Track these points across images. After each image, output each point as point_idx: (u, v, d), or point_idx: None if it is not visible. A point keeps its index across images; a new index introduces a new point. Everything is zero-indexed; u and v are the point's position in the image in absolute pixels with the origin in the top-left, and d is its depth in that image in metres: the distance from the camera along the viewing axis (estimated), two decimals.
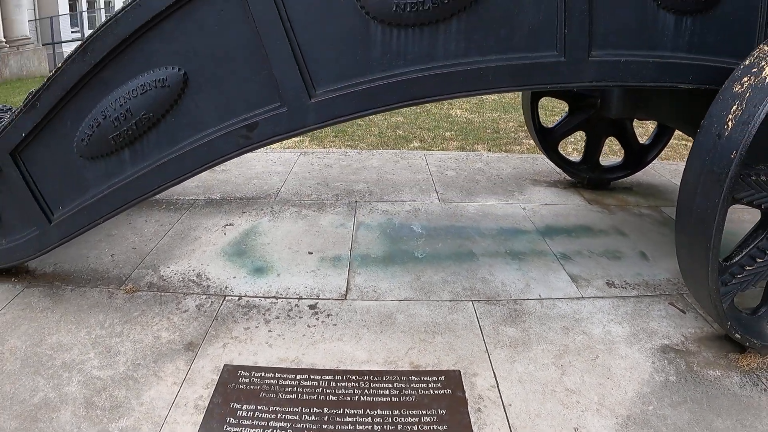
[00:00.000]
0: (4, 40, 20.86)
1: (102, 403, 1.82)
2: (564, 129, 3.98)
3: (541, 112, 4.10)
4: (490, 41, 1.96)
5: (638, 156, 4.00)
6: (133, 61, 2.09)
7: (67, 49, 25.28)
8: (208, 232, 3.12)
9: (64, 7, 27.17)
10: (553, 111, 7.15)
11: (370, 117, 7.22)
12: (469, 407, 1.81)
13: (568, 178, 4.11)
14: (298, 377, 1.94)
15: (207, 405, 1.80)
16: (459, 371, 1.98)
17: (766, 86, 1.73)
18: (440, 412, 1.79)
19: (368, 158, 4.72)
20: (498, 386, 1.92)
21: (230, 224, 3.23)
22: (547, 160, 4.15)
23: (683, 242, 2.01)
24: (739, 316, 2.13)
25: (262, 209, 3.47)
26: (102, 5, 30.96)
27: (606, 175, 4.01)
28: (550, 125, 4.10)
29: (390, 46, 1.99)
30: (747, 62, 1.88)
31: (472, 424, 1.75)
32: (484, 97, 9.14)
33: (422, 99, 2.10)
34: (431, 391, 1.88)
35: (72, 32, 26.95)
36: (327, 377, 1.94)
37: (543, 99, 4.09)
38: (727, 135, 1.77)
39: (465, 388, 1.90)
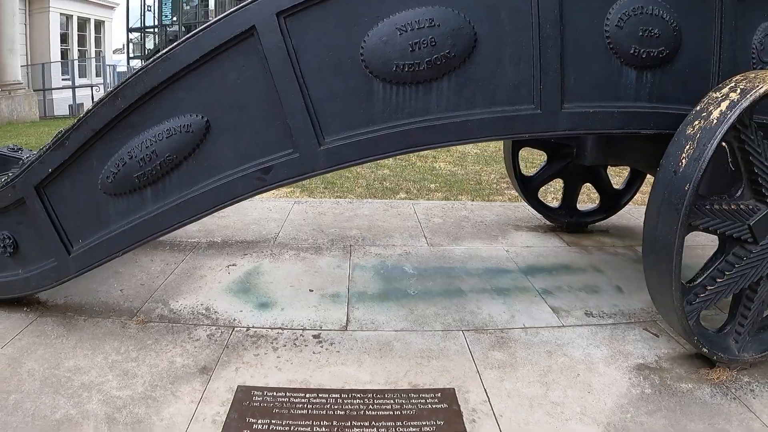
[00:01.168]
0: None
1: (123, 419, 1.97)
2: (543, 177, 4.28)
3: (521, 162, 4.39)
4: (477, 97, 2.24)
5: (613, 200, 4.31)
6: (161, 107, 2.32)
7: (57, 95, 25.53)
8: (213, 271, 3.30)
9: (56, 54, 27.64)
10: (533, 162, 7.48)
11: (358, 170, 7.55)
12: (464, 418, 1.99)
13: (549, 223, 4.38)
14: (307, 395, 2.10)
15: (224, 420, 1.96)
16: (453, 389, 2.16)
17: (713, 127, 2.01)
18: (438, 422, 1.96)
19: (359, 207, 4.97)
20: (489, 401, 2.10)
21: (233, 264, 3.42)
22: (528, 207, 4.44)
23: (650, 267, 2.25)
24: (706, 332, 2.36)
25: (262, 251, 3.66)
26: (93, 55, 31.35)
27: (583, 219, 4.31)
28: (531, 174, 4.39)
29: (390, 101, 2.25)
30: (698, 108, 2.17)
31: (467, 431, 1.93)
32: (466, 150, 9.57)
33: (418, 147, 2.35)
34: (429, 406, 2.06)
35: (62, 80, 27.36)
36: (334, 395, 2.11)
37: (523, 150, 4.38)
38: (681, 171, 2.04)
39: (459, 402, 2.08)
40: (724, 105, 2.06)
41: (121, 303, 2.87)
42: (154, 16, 56.99)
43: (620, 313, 2.90)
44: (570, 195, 4.30)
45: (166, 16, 56.95)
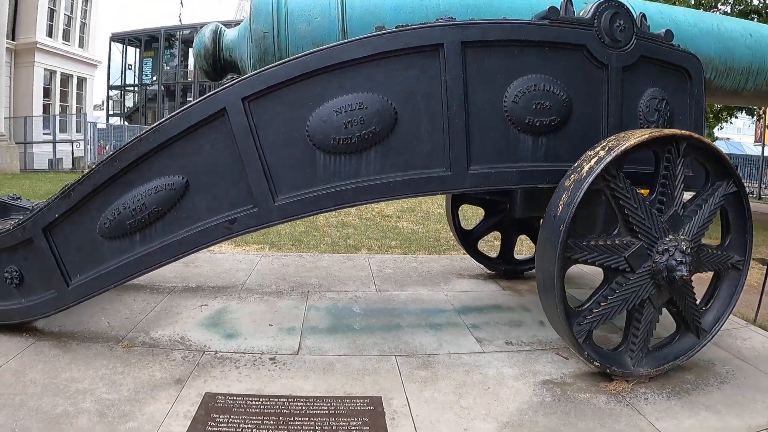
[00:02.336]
0: None
1: (112, 414, 2.45)
2: (481, 230, 4.93)
3: (469, 218, 5.02)
4: (398, 163, 2.87)
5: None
6: (150, 169, 2.90)
7: (38, 149, 25.94)
8: (187, 309, 3.81)
9: (38, 108, 28.21)
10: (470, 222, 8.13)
11: (324, 229, 8.16)
12: (386, 417, 2.50)
13: (489, 271, 4.98)
14: (261, 400, 2.60)
15: (194, 415, 2.45)
16: (380, 396, 2.68)
17: (583, 179, 2.62)
18: (365, 419, 2.48)
19: (320, 260, 5.55)
20: (409, 405, 2.62)
21: (205, 305, 3.93)
22: (467, 255, 5.04)
23: (543, 297, 2.81)
24: (600, 350, 2.90)
25: (230, 295, 4.18)
26: (74, 111, 31.73)
27: (519, 267, 4.93)
28: (470, 228, 5.03)
29: (329, 167, 2.87)
30: (576, 164, 2.78)
31: (387, 426, 2.43)
32: (429, 210, 10.35)
33: (351, 204, 2.97)
34: (359, 407, 2.57)
35: (44, 134, 27.86)
36: (282, 400, 2.61)
37: (462, 206, 5.03)
38: (558, 215, 2.64)
39: (384, 406, 2.59)
40: (593, 161, 2.68)
41: (108, 332, 3.36)
42: (135, 75, 58.01)
43: (537, 342, 3.46)
44: (507, 245, 4.93)
45: (147, 75, 57.94)
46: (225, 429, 2.36)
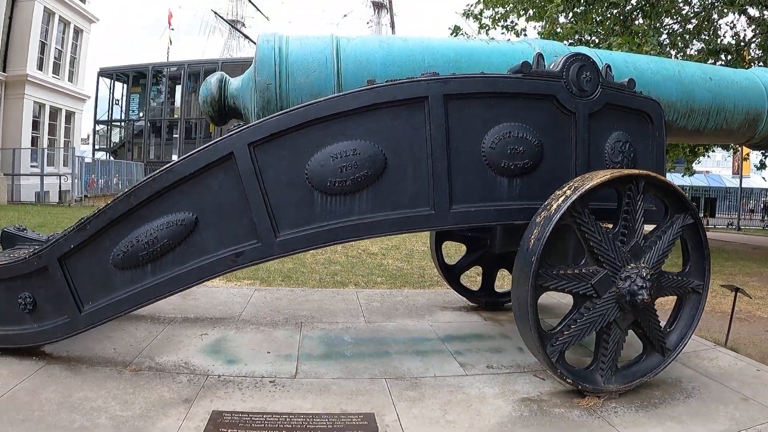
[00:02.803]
0: None
1: (127, 428, 2.68)
2: (463, 265, 5.24)
3: (454, 253, 5.32)
4: (387, 203, 3.19)
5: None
6: (162, 205, 3.18)
7: (25, 181, 26.10)
8: (188, 338, 4.05)
9: (26, 140, 28.51)
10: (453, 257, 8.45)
11: (312, 266, 8.40)
12: (379, 430, 2.76)
13: (471, 303, 5.27)
14: (264, 416, 2.85)
15: (203, 429, 2.69)
16: (373, 413, 2.93)
17: (551, 215, 2.94)
18: None
19: (311, 294, 5.82)
20: (399, 420, 2.87)
21: (205, 333, 4.17)
22: (455, 291, 5.33)
23: (519, 322, 3.10)
24: (573, 369, 3.19)
25: (228, 325, 4.43)
26: (62, 144, 31.86)
27: (500, 299, 5.22)
28: (452, 263, 5.33)
29: (325, 207, 3.18)
30: (546, 202, 3.11)
31: None
32: (414, 248, 10.63)
33: (345, 240, 3.29)
34: (354, 423, 2.82)
35: (31, 166, 27.96)
36: (284, 416, 2.86)
37: (446, 243, 5.34)
38: (530, 248, 2.96)
39: (377, 421, 2.84)
40: (560, 199, 3.01)
41: (115, 357, 3.59)
42: (122, 110, 58.31)
43: (516, 366, 3.73)
44: (488, 279, 5.24)
45: (133, 111, 58.30)
46: None
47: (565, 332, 3.10)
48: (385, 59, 3.74)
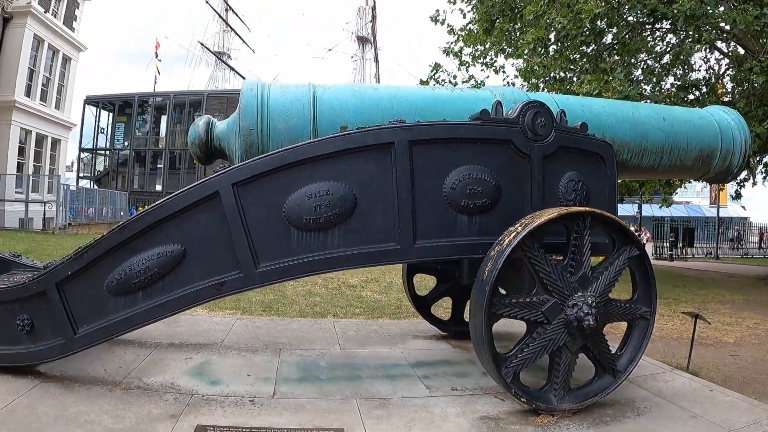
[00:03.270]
0: None
1: None
2: (433, 296, 5.58)
3: (426, 285, 5.65)
4: (357, 239, 3.54)
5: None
6: (154, 238, 3.49)
7: (9, 207, 26.44)
8: (174, 361, 4.32)
9: (12, 166, 28.77)
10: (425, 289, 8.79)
11: (292, 297, 8.69)
12: None
13: (442, 333, 5.58)
14: (244, 430, 3.14)
15: None
16: (343, 428, 3.22)
17: (503, 250, 3.29)
18: None
19: (290, 323, 6.13)
20: None
21: (189, 358, 4.45)
22: (426, 321, 5.64)
23: (476, 347, 3.43)
24: (528, 389, 3.50)
25: (211, 351, 4.71)
26: (47, 171, 31.92)
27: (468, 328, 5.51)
28: (424, 294, 5.66)
29: (301, 241, 3.53)
30: (500, 237, 3.45)
31: None
32: (392, 280, 10.92)
33: (318, 272, 3.63)
34: None
35: (16, 192, 28.24)
36: (263, 430, 3.15)
37: (419, 276, 5.68)
38: (484, 279, 3.30)
39: None
40: (512, 235, 3.36)
41: (106, 377, 3.86)
42: (107, 139, 58.38)
43: (479, 388, 4.03)
44: (457, 309, 5.56)
45: (118, 140, 58.36)
46: None
47: (519, 355, 3.43)
48: (357, 107, 4.11)
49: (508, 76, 17.06)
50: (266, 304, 7.90)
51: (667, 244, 30.57)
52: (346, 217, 3.51)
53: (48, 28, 31.39)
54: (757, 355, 7.33)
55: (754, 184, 21.44)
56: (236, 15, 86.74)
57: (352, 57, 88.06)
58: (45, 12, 31.36)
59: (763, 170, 20.89)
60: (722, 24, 12.64)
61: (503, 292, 3.73)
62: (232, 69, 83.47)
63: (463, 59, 17.63)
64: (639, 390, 4.15)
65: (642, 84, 14.29)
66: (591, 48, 13.35)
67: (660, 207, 24.20)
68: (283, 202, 3.48)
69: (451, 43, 17.61)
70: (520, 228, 3.37)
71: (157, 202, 3.54)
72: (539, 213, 3.50)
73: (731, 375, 6.09)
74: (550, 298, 3.45)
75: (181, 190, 3.54)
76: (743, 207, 44.96)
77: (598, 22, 12.24)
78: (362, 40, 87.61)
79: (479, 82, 18.36)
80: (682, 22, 11.88)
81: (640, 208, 30.98)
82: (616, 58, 13.73)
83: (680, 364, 5.37)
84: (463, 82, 18.84)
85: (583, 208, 3.56)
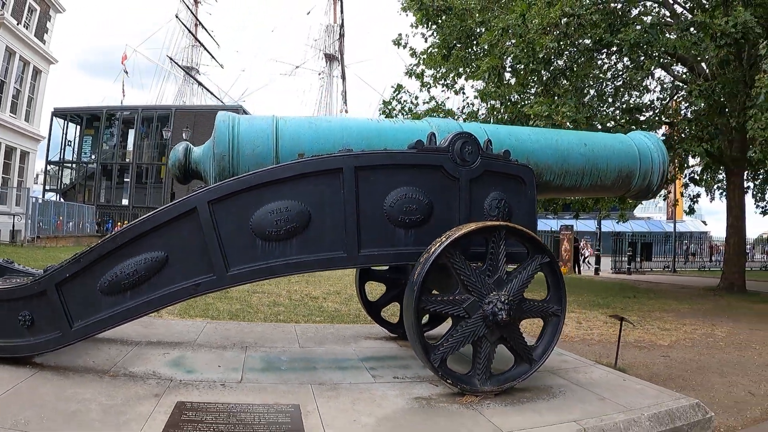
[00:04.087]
0: None
1: (113, 411, 3.58)
2: (383, 301, 6.28)
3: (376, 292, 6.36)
4: (311, 248, 4.25)
5: (438, 317, 6.18)
6: (142, 245, 4.13)
7: None
8: (153, 355, 4.95)
9: None
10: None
11: (258, 306, 9.39)
12: (302, 415, 3.72)
13: (392, 335, 6.28)
14: (217, 405, 3.80)
15: (171, 412, 3.62)
16: (299, 404, 3.90)
17: (430, 257, 4.00)
18: (287, 415, 3.70)
19: (255, 327, 6.83)
20: (318, 409, 3.84)
21: (167, 353, 5.07)
22: (378, 325, 6.35)
23: (409, 336, 4.11)
24: (454, 373, 4.18)
25: (185, 348, 5.33)
26: (15, 184, 32.57)
27: None
28: (374, 300, 6.39)
29: (265, 249, 4.21)
30: (429, 246, 4.14)
31: (303, 419, 3.66)
32: (353, 293, 11.53)
33: (279, 275, 4.35)
34: (284, 410, 3.78)
35: None
36: (232, 404, 3.81)
37: (372, 283, 6.41)
38: (414, 280, 4.01)
39: (301, 410, 3.81)
40: (437, 245, 4.08)
41: (95, 367, 4.47)
42: (74, 152, 57.98)
43: (418, 377, 4.70)
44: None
45: (86, 153, 58.04)
46: (193, 419, 3.55)
47: (445, 344, 4.15)
48: (313, 137, 4.83)
49: (468, 97, 17.97)
50: (233, 313, 8.60)
51: (626, 259, 31.64)
52: (302, 229, 4.22)
53: (20, 40, 31.58)
54: (687, 355, 8.16)
55: (712, 199, 22.63)
56: (206, 30, 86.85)
57: (319, 74, 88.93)
58: (17, 24, 31.49)
59: (718, 186, 22.07)
60: (664, 50, 13.70)
61: (436, 293, 4.45)
62: (200, 84, 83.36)
63: (424, 81, 18.52)
64: (559, 379, 4.88)
65: (595, 107, 15.22)
66: (543, 74, 14.27)
67: (617, 222, 25.01)
68: (250, 217, 4.18)
69: (413, 65, 18.48)
70: (444, 239, 4.10)
71: (143, 216, 4.21)
72: (463, 226, 4.23)
73: (658, 372, 6.90)
74: (470, 297, 4.17)
75: (165, 206, 4.21)
76: (704, 222, 46.59)
77: (552, 57, 13.15)
78: (330, 58, 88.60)
79: (440, 102, 19.34)
80: (627, 50, 12.89)
81: (599, 223, 31.79)
82: (566, 83, 14.70)
83: (609, 363, 6.12)
84: (423, 102, 19.79)
85: (497, 222, 4.30)
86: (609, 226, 36.85)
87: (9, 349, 4.32)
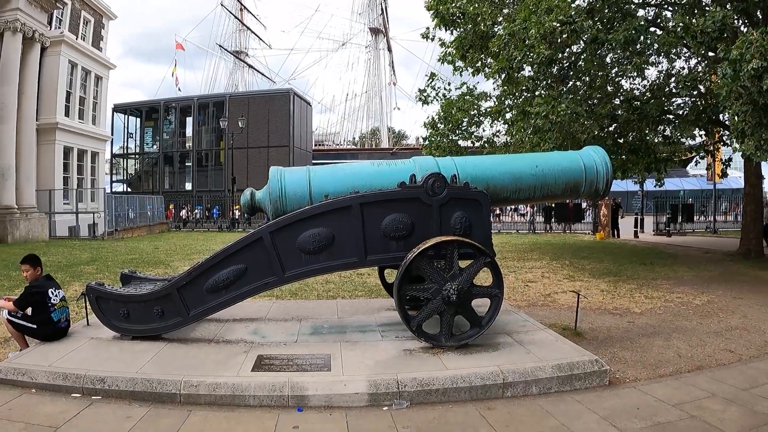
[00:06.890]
0: (16, 206, 24.62)
1: (220, 361, 6.14)
2: None
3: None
4: (335, 257, 6.62)
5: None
6: (230, 261, 6.61)
7: (59, 218, 28.81)
8: (239, 328, 7.44)
9: (59, 181, 31.57)
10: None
11: (312, 285, 11.76)
12: (331, 359, 6.14)
13: None
14: (281, 355, 6.33)
15: (254, 361, 6.17)
16: (330, 354, 6.29)
17: (406, 261, 6.25)
18: (320, 361, 6.18)
19: (308, 304, 9.38)
20: (341, 355, 6.23)
21: (247, 325, 7.56)
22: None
23: (398, 311, 6.47)
24: (428, 334, 6.41)
25: (260, 322, 7.82)
26: (89, 185, 35.18)
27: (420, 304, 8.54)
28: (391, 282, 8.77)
29: (307, 259, 6.58)
30: (408, 253, 6.41)
31: (331, 361, 6.07)
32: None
33: (316, 274, 6.83)
34: (320, 356, 6.20)
35: (64, 204, 31.06)
36: (290, 355, 6.29)
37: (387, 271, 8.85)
38: (398, 275, 6.31)
39: (331, 356, 6.20)
40: (415, 251, 6.30)
41: (203, 338, 7.01)
42: (136, 143, 60.79)
43: (411, 337, 6.76)
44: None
45: (148, 144, 60.72)
46: (268, 364, 6.01)
47: (420, 315, 6.44)
48: (333, 181, 7.00)
49: (497, 80, 18.65)
50: (293, 291, 11.06)
51: (664, 221, 30.69)
52: (328, 246, 6.54)
53: (80, 52, 34.17)
54: (649, 321, 8.76)
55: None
56: (251, 14, 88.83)
57: (366, 47, 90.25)
58: (75, 39, 34.02)
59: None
60: (656, 45, 15.18)
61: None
62: (250, 66, 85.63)
63: (456, 66, 19.95)
64: (507, 338, 6.76)
65: (591, 100, 16.34)
66: (548, 74, 15.66)
67: (655, 186, 24.34)
68: (296, 239, 6.52)
69: (444, 53, 20.01)
70: (416, 249, 6.37)
71: (229, 245, 6.67)
72: (429, 240, 6.45)
73: (613, 335, 7.85)
74: (434, 285, 6.38)
75: (242, 238, 6.65)
76: (739, 178, 45.16)
77: (554, 58, 14.58)
78: (375, 32, 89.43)
79: (471, 87, 21.01)
80: (619, 47, 14.48)
81: (641, 186, 30.36)
82: (571, 82, 16.27)
83: (569, 327, 7.82)
84: (456, 88, 21.42)
85: (451, 237, 6.38)
86: (663, 186, 35.18)
87: (149, 330, 6.84)
